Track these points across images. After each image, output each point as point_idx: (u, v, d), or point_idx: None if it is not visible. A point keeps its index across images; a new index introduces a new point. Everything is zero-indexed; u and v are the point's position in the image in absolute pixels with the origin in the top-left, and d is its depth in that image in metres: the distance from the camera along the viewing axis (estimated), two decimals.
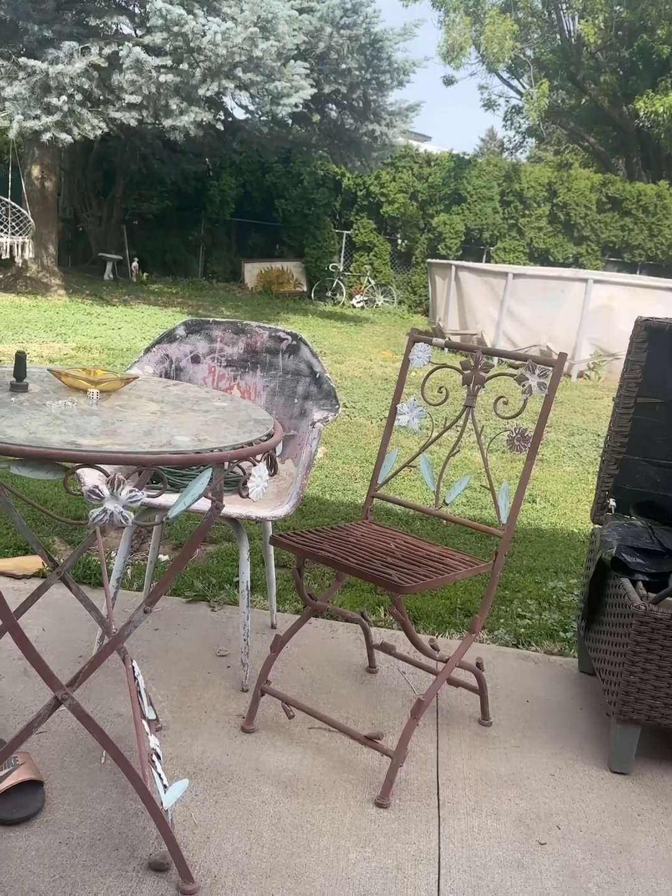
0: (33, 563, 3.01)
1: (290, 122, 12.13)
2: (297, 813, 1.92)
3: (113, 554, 3.20)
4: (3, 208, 10.72)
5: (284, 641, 2.26)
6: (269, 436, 1.68)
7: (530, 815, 2.02)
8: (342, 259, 16.78)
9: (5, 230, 10.79)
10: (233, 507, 2.30)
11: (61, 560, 3.02)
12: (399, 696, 2.49)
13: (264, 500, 2.49)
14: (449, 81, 20.68)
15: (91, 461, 1.40)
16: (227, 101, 11.58)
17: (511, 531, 2.21)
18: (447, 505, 2.49)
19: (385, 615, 2.97)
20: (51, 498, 3.76)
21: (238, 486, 1.60)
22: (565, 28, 20.15)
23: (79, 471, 1.96)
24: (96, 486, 1.38)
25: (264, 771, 2.06)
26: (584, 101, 21.05)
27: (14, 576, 2.92)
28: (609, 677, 2.27)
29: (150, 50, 9.59)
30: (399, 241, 16.83)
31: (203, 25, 9.37)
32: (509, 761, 2.23)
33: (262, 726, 2.24)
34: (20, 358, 1.73)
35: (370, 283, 16.23)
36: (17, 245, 10.87)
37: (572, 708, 2.54)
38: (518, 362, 2.27)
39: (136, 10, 10.88)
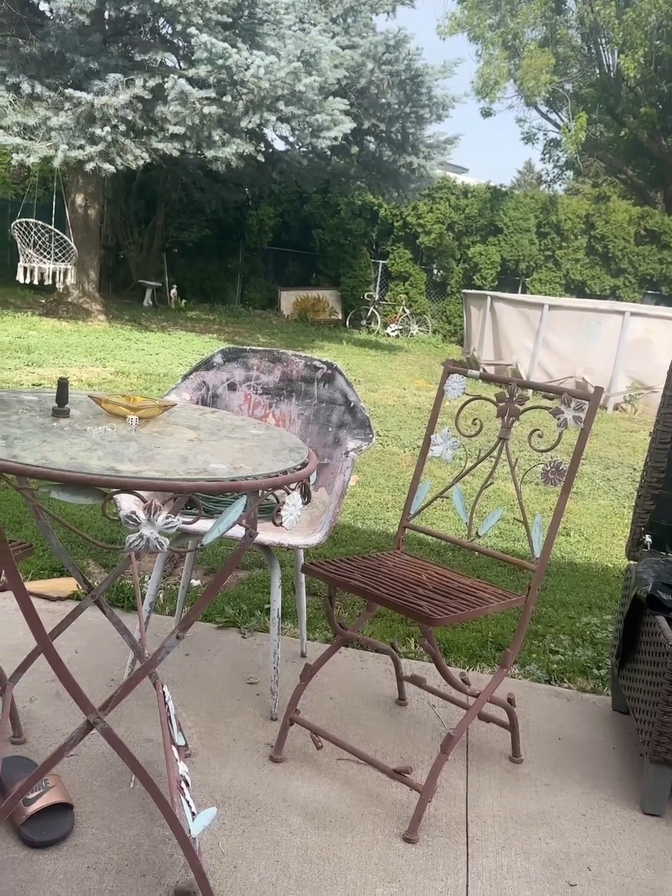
0: (68, 585, 3.04)
1: (329, 153, 12.30)
2: (324, 845, 1.91)
3: (146, 578, 3.22)
4: (47, 235, 10.96)
5: (314, 671, 2.26)
6: (304, 465, 1.69)
7: (560, 855, 1.99)
8: (377, 288, 16.89)
9: (48, 256, 11.03)
10: (265, 534, 2.31)
11: (95, 583, 3.05)
12: (428, 729, 2.47)
13: (297, 528, 2.49)
14: (487, 114, 20.80)
15: (129, 487, 1.42)
16: (268, 132, 11.77)
17: (544, 565, 2.19)
18: (480, 537, 2.48)
19: (416, 647, 2.95)
20: (85, 520, 3.80)
21: (271, 513, 1.61)
22: (604, 62, 20.25)
23: (116, 495, 1.98)
24: (133, 512, 1.40)
25: (292, 801, 2.05)
26: (622, 133, 21.08)
27: (49, 597, 2.95)
28: (643, 716, 2.23)
29: (193, 82, 9.80)
30: (435, 271, 16.90)
31: (246, 59, 9.55)
32: (540, 800, 2.20)
33: (290, 756, 2.23)
34: (62, 384, 1.76)
35: (405, 311, 16.29)
36: (60, 271, 11.10)
37: (605, 747, 2.50)
38: (553, 395, 2.26)
39: (181, 44, 11.12)
